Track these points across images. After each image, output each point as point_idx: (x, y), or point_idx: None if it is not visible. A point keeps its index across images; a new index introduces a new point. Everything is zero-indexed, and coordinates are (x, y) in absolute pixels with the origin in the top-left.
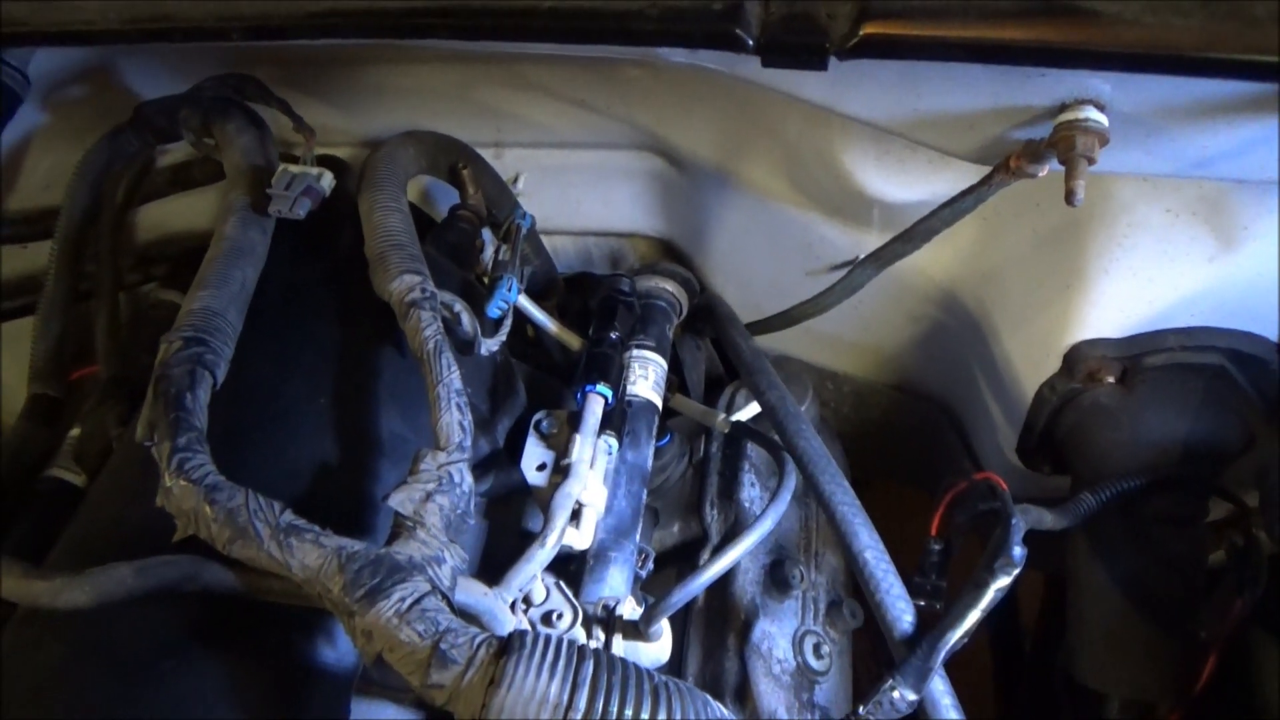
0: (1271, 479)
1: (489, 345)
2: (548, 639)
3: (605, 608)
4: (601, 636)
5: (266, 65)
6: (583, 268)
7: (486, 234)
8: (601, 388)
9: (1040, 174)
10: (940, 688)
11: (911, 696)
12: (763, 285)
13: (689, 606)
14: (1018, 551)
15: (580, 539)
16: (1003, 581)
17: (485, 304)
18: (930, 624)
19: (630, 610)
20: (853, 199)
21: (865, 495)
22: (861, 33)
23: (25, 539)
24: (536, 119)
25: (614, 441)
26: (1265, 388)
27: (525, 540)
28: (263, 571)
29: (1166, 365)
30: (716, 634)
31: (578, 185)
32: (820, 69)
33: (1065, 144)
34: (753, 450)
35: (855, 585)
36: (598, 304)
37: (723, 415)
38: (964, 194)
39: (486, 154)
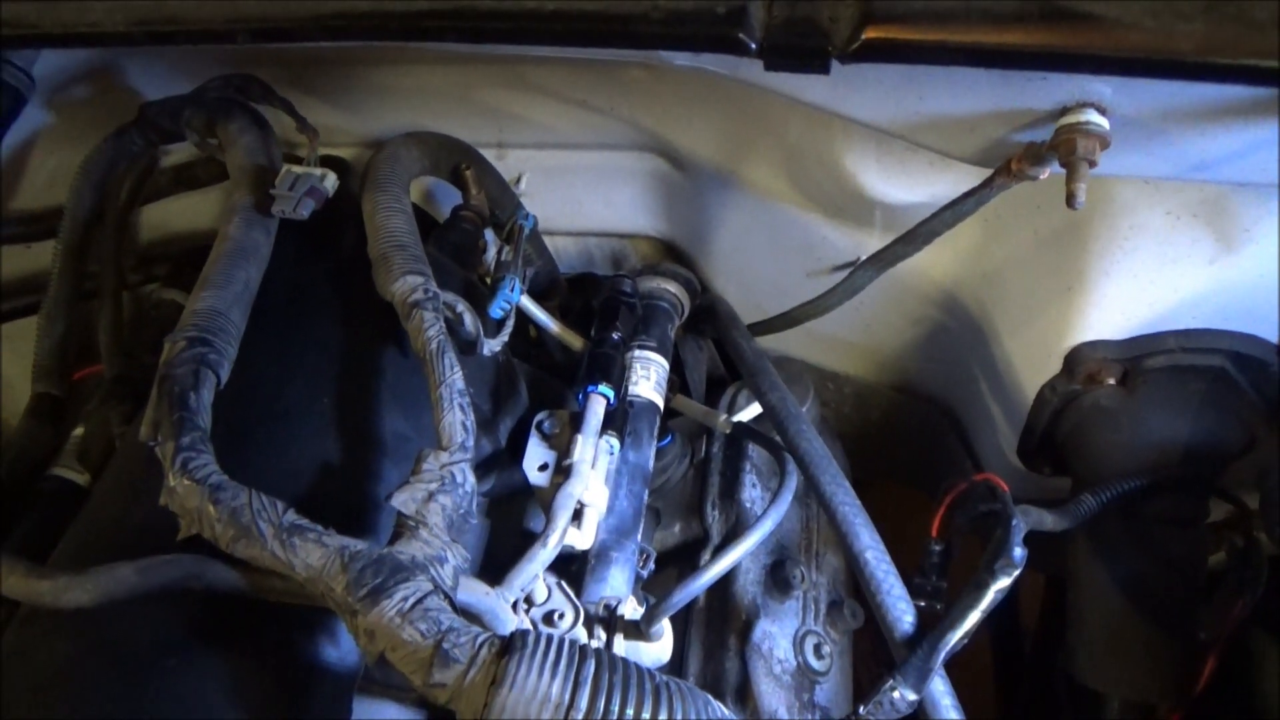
0: (1272, 480)
1: (491, 345)
2: (549, 638)
3: (607, 607)
4: (603, 636)
5: (270, 66)
6: (585, 268)
7: (489, 234)
8: (603, 388)
9: (1041, 176)
10: (940, 688)
11: (912, 697)
12: (764, 286)
13: (690, 606)
14: (1018, 552)
15: (582, 539)
16: (1003, 582)
17: (488, 304)
18: (931, 624)
19: (631, 610)
20: (854, 200)
21: (866, 496)
22: (863, 36)
23: (28, 538)
24: (539, 120)
25: (616, 442)
26: (1266, 390)
27: (527, 540)
28: (266, 571)
29: (1167, 367)
30: (717, 634)
31: (580, 186)
32: (822, 72)
33: (1066, 147)
34: (754, 451)
35: (856, 586)
36: (600, 304)
37: (724, 416)
38: (965, 196)
39: (489, 154)
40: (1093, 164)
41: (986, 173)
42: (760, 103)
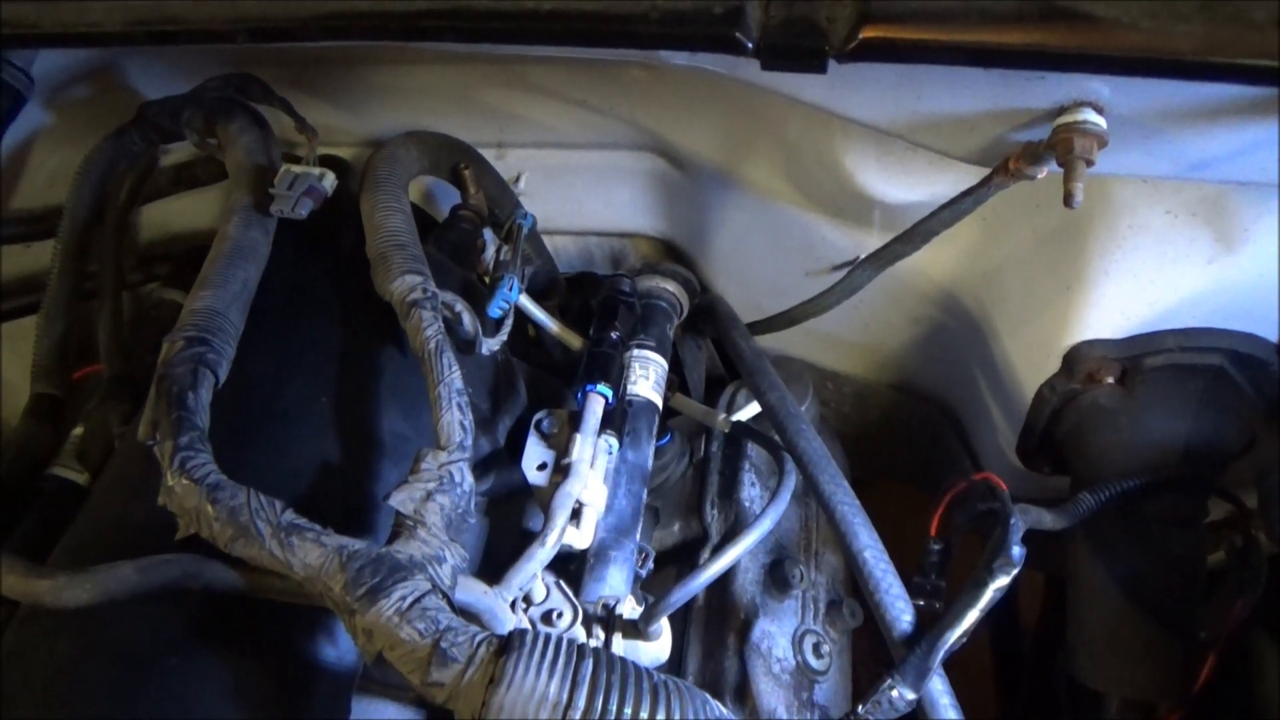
0: (1271, 480)
1: (490, 345)
2: (548, 638)
3: (605, 607)
4: (601, 635)
5: (269, 65)
6: (584, 268)
7: (488, 234)
8: (602, 387)
9: (1039, 176)
10: (939, 687)
11: (910, 696)
12: (763, 285)
13: (689, 605)
14: (1017, 551)
15: (580, 538)
16: (1002, 581)
17: (486, 304)
18: (930, 624)
19: (630, 609)
20: (853, 200)
21: (865, 495)
22: (860, 36)
23: (28, 537)
24: (538, 119)
25: (614, 441)
26: (1265, 389)
27: (525, 539)
28: (264, 570)
29: (1166, 366)
30: (716, 633)
31: (579, 185)
32: (819, 72)
33: (1064, 146)
34: (753, 450)
35: (855, 585)
36: (599, 304)
37: (723, 415)
38: (964, 195)
39: (488, 154)
40: (1090, 163)
41: (985, 172)
42: (759, 102)
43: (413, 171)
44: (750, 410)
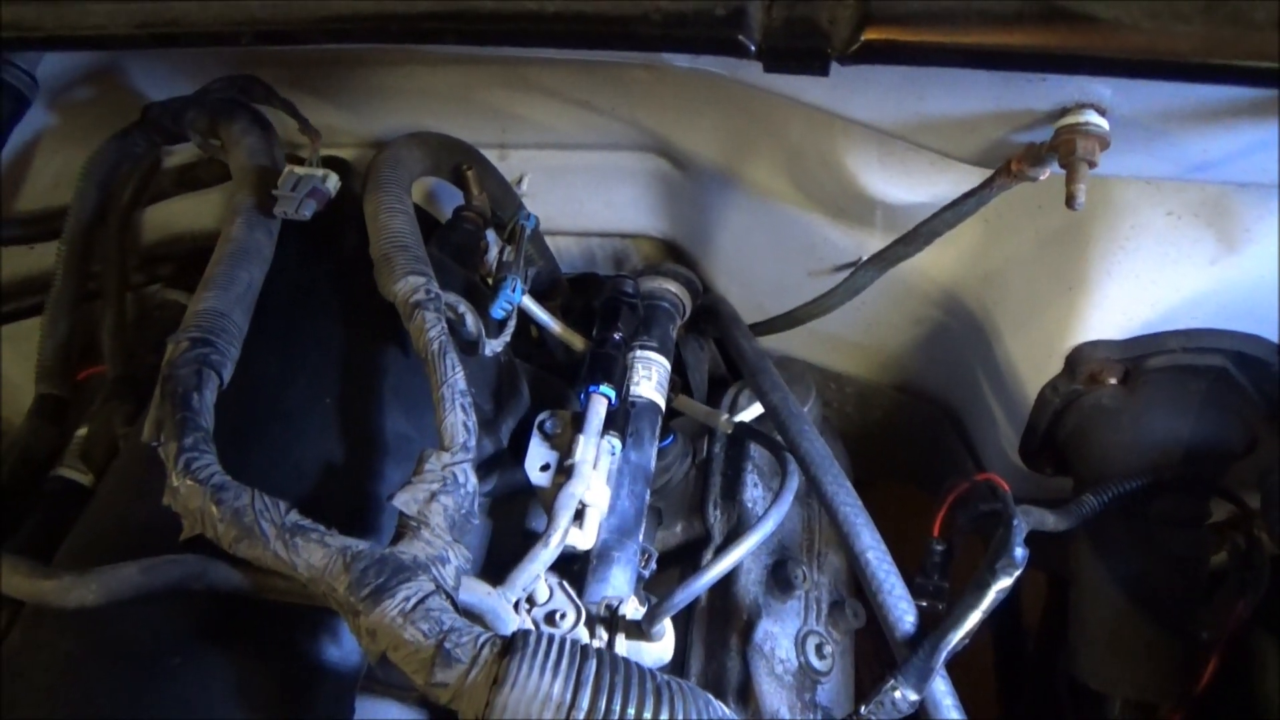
0: (1273, 480)
1: (493, 346)
2: (551, 638)
3: (608, 607)
4: (604, 636)
5: (272, 67)
6: (586, 268)
7: (491, 235)
8: (605, 388)
9: (1041, 177)
10: (942, 688)
11: (913, 696)
12: (766, 286)
13: (692, 606)
14: (1019, 552)
15: (583, 539)
16: (1004, 582)
17: (489, 305)
18: (932, 624)
19: (633, 610)
20: (855, 201)
21: (867, 496)
22: (863, 38)
23: (33, 537)
24: (541, 120)
25: (617, 442)
26: (1267, 390)
27: (529, 540)
28: (268, 571)
29: (1168, 367)
30: (719, 634)
31: (581, 186)
32: (822, 74)
33: (1066, 148)
34: (756, 451)
35: (858, 585)
36: (601, 305)
37: (726, 416)
38: (966, 196)
39: (491, 155)
40: (1092, 165)
41: (987, 173)
42: (761, 103)
43: (415, 173)
44: (753, 411)
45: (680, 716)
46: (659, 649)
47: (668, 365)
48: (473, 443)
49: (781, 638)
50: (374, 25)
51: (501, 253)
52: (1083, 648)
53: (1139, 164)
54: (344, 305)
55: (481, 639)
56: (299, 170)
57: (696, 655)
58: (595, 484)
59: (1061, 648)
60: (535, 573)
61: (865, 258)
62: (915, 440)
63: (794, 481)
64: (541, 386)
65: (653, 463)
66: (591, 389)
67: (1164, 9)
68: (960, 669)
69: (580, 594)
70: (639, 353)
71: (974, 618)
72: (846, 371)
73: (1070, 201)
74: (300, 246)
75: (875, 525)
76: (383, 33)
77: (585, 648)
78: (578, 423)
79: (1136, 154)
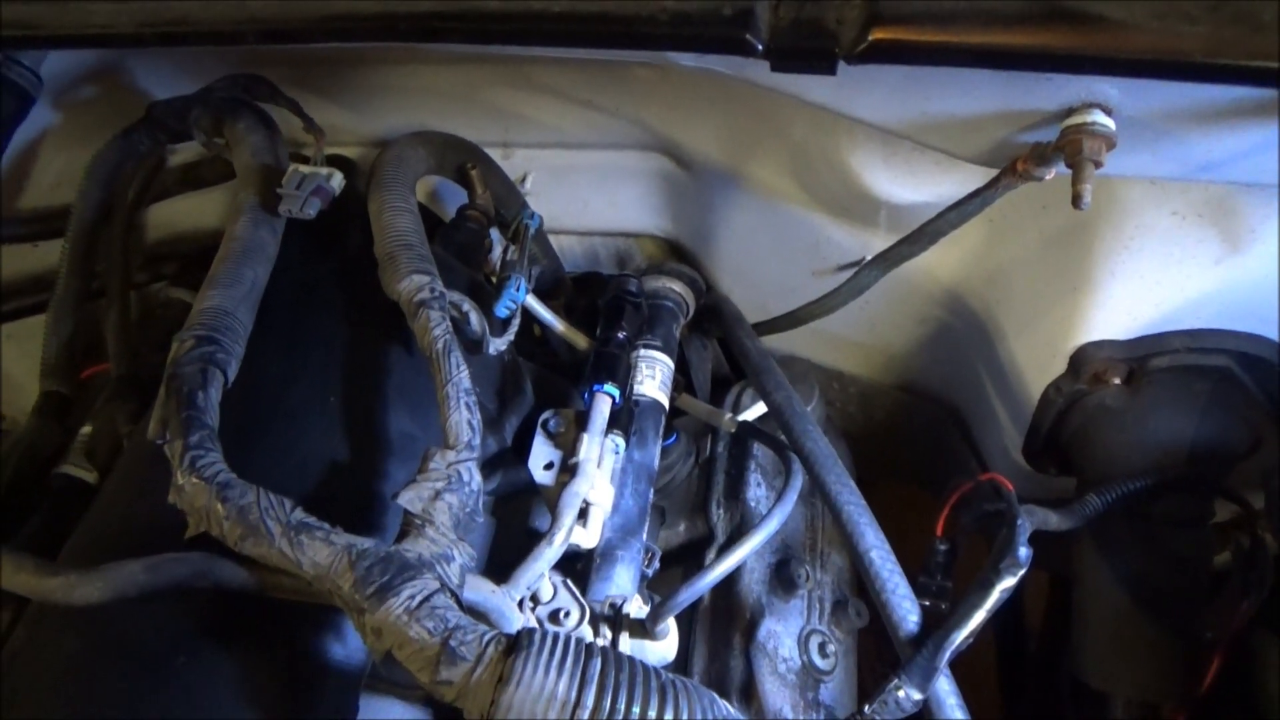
0: (1277, 481)
1: (497, 344)
2: (556, 636)
3: (612, 606)
4: (608, 635)
5: (276, 66)
6: (590, 268)
7: (495, 234)
8: (609, 387)
9: (1047, 177)
10: (946, 687)
11: (917, 696)
12: (769, 286)
13: (695, 605)
14: (1023, 552)
15: (587, 538)
16: (1008, 582)
17: (493, 303)
18: (935, 624)
19: (637, 609)
20: (860, 200)
21: (871, 495)
22: (870, 38)
23: (37, 535)
24: (544, 119)
25: (621, 441)
26: (1271, 390)
27: (532, 539)
28: (273, 569)
29: (1172, 367)
30: (722, 633)
31: (585, 185)
32: (829, 74)
33: (1072, 147)
34: (759, 450)
35: (861, 585)
36: (605, 304)
37: (729, 415)
38: (971, 196)
39: (495, 154)
40: (1099, 164)
41: (992, 173)
42: (766, 103)
43: (419, 171)
44: (756, 410)
45: (685, 715)
46: (663, 648)
47: (671, 364)
48: (477, 441)
49: (785, 637)
50: (378, 24)
51: (505, 251)
52: (1086, 647)
53: (1144, 164)
54: (348, 304)
55: (486, 637)
56: (303, 169)
57: (700, 654)
58: (599, 483)
59: (1064, 647)
60: (539, 571)
61: (869, 257)
62: (918, 440)
63: (798, 480)
64: (545, 385)
65: (656, 462)
66: (595, 388)
67: (1170, 9)
68: (962, 668)
69: (584, 592)
70: (643, 352)
71: (978, 617)
72: (850, 371)
73: (1076, 201)
74: (304, 245)
75: (879, 524)
76: (387, 31)
77: (590, 646)
78: (581, 421)
79: (1142, 154)
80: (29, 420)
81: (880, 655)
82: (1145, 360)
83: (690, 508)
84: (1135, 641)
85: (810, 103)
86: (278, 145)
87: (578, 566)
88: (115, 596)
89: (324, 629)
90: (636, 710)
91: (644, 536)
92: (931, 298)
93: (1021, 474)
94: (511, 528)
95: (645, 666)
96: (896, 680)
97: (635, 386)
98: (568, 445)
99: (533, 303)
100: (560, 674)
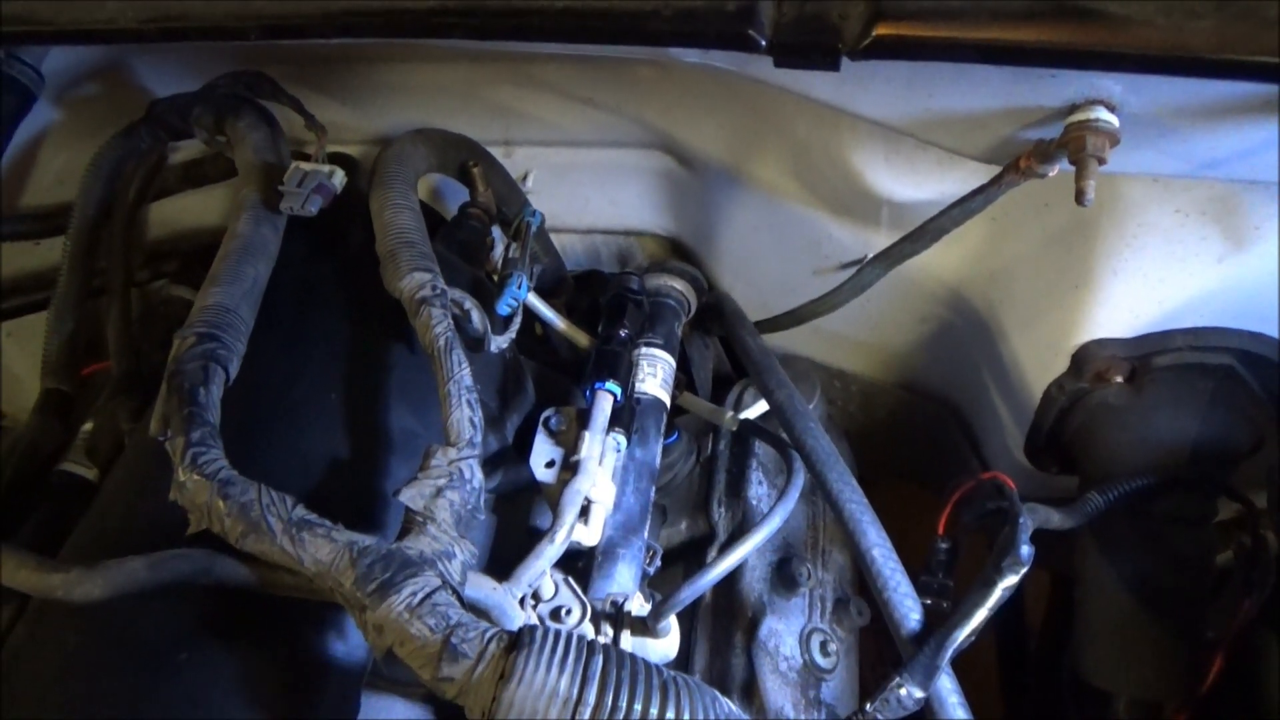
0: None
1: (499, 342)
2: (558, 634)
3: (613, 604)
4: (610, 632)
5: (278, 63)
6: (591, 266)
7: (496, 232)
8: (610, 385)
9: (1050, 174)
10: (948, 686)
11: (919, 694)
12: (771, 284)
13: (696, 603)
14: (1026, 550)
15: (589, 535)
16: (1010, 580)
17: (495, 301)
18: (937, 622)
19: (638, 607)
20: (862, 198)
21: (872, 494)
22: (874, 34)
23: (38, 533)
24: (546, 117)
25: (622, 439)
26: (1274, 388)
27: (534, 537)
28: (275, 566)
29: (1175, 365)
30: (724, 631)
31: (587, 183)
32: (833, 69)
33: (1076, 144)
34: (760, 448)
35: (862, 583)
36: (607, 302)
37: (731, 413)
38: (973, 194)
39: (496, 152)
40: (1102, 161)
41: (995, 170)
42: (768, 100)
43: (421, 169)
44: (758, 408)
45: (687, 713)
46: (664, 646)
47: (673, 362)
48: (479, 438)
49: (786, 635)
50: (383, 19)
51: (507, 249)
52: (1088, 646)
53: (1148, 161)
54: (350, 301)
55: (488, 634)
56: (305, 166)
57: (701, 652)
58: (600, 480)
59: (1065, 646)
60: (541, 569)
61: (871, 255)
62: (920, 438)
63: (799, 478)
64: (546, 383)
65: (658, 460)
66: (597, 386)
67: (1176, 5)
68: (963, 667)
69: (586, 590)
70: (644, 350)
71: (980, 615)
72: (851, 369)
73: (1080, 198)
74: (306, 242)
75: (880, 523)
76: (391, 27)
77: (592, 643)
78: (583, 419)
79: (1146, 151)
80: (30, 418)
81: (881, 654)
82: (1148, 358)
83: (692, 506)
84: (1137, 640)
85: (813, 99)
86: (279, 143)
87: (579, 564)
88: (116, 593)
89: (325, 626)
90: (638, 707)
91: (645, 534)
92: (933, 296)
93: (1023, 473)
94: (513, 525)
95: (647, 664)
96: (898, 679)
97: (637, 384)
98: (569, 443)
99: (534, 301)
100: (562, 671)
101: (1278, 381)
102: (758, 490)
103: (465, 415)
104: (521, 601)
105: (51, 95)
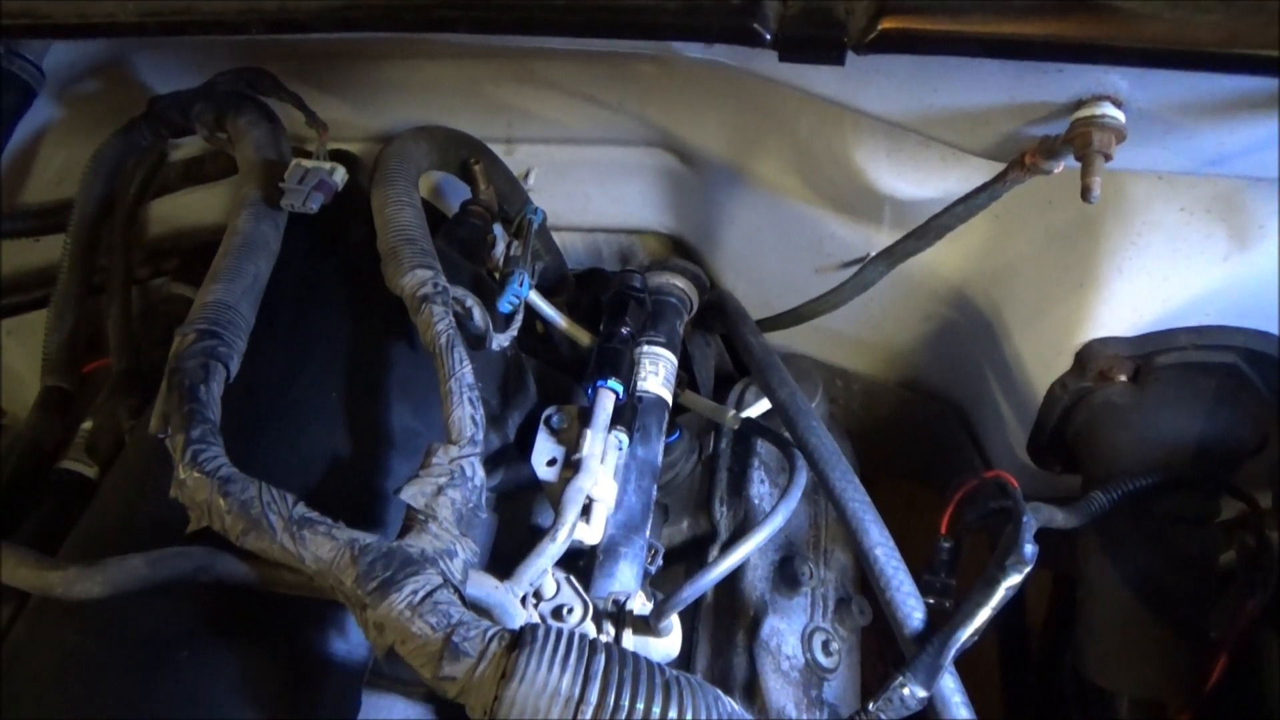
0: None
1: (500, 340)
2: (560, 633)
3: (615, 603)
4: (611, 631)
5: (279, 60)
6: (593, 264)
7: (498, 229)
8: (612, 383)
9: (1055, 170)
10: (951, 685)
11: (922, 693)
12: (773, 282)
13: (698, 602)
14: (1029, 550)
15: (590, 534)
16: (1014, 579)
17: (497, 299)
18: (940, 622)
19: (640, 605)
20: (864, 196)
21: (874, 493)
22: (879, 28)
23: (38, 530)
24: (548, 115)
25: (624, 437)
26: (1278, 387)
27: (536, 535)
28: (275, 563)
29: (1179, 364)
30: (725, 630)
31: (588, 181)
32: (838, 64)
33: (1082, 140)
34: (762, 447)
35: (865, 582)
36: (609, 300)
37: (732, 412)
38: (977, 191)
39: (498, 149)
40: (1108, 158)
41: (999, 167)
42: (770, 97)
43: (423, 166)
44: (760, 407)
45: (689, 712)
46: (666, 644)
47: (674, 361)
48: (480, 436)
49: (788, 634)
50: (384, 14)
51: (509, 247)
52: (1090, 646)
53: (1153, 158)
54: (351, 299)
55: (490, 633)
56: (306, 163)
57: (703, 651)
58: (602, 479)
59: (1067, 645)
60: (542, 567)
61: (873, 254)
62: (922, 437)
63: (802, 477)
64: (548, 382)
65: (659, 458)
66: (599, 384)
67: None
68: (964, 667)
69: (587, 589)
70: (646, 348)
71: (983, 615)
72: (853, 368)
73: (1086, 194)
74: (307, 240)
75: (883, 522)
76: (393, 21)
77: (594, 642)
78: (584, 418)
79: (1151, 147)
80: (30, 415)
81: (883, 653)
82: (1151, 357)
83: (693, 504)
84: (1140, 640)
85: (816, 95)
86: (280, 140)
87: (581, 563)
88: (116, 591)
89: (326, 624)
90: (640, 706)
91: (647, 533)
92: (936, 294)
93: (1026, 472)
94: (514, 524)
95: (649, 663)
96: (901, 678)
97: (639, 383)
98: (571, 441)
99: (536, 298)
100: (564, 670)
101: None
102: (760, 489)
103: (466, 413)
104: (523, 600)
105: (52, 91)
